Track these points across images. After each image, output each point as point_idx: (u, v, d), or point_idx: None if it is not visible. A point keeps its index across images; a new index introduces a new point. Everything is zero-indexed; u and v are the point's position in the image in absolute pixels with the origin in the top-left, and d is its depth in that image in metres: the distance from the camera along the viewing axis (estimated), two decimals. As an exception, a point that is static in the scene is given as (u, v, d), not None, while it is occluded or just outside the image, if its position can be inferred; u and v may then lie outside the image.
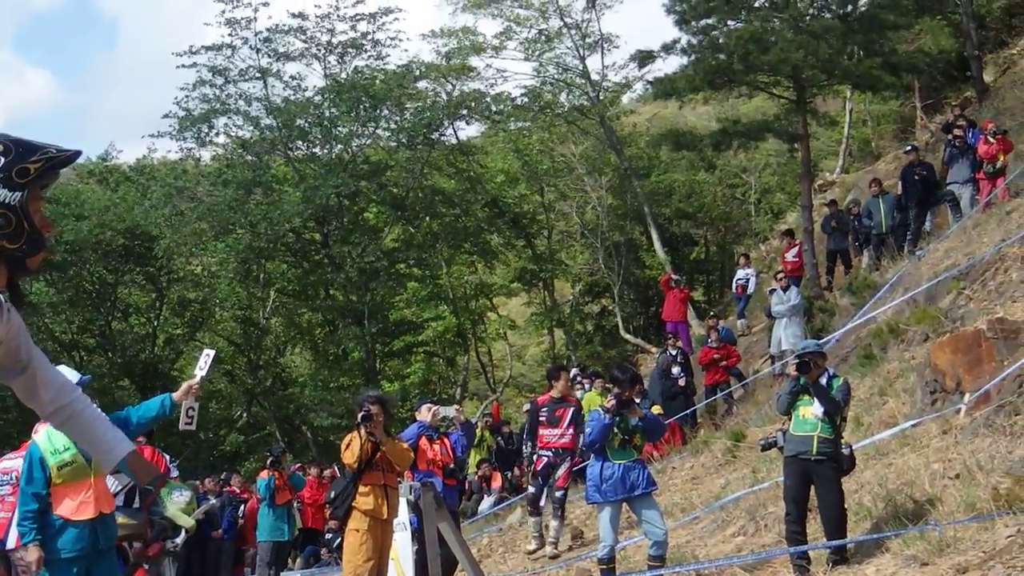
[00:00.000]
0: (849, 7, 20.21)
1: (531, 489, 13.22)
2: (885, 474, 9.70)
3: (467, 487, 18.63)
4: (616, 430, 9.31)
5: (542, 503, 13.16)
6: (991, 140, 17.00)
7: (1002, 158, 16.87)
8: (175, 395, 7.04)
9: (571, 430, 12.76)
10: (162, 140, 33.73)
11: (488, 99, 33.04)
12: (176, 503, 5.46)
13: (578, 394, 19.88)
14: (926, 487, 8.72)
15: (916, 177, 18.42)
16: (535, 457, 13.05)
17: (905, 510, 8.48)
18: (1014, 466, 8.02)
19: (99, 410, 3.92)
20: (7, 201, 3.26)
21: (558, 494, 12.74)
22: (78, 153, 3.44)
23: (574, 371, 22.86)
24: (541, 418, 12.86)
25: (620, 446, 9.35)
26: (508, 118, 34.02)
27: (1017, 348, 9.69)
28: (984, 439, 9.00)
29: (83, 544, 6.87)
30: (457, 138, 35.23)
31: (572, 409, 12.94)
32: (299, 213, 30.00)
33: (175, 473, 14.42)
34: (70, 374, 7.38)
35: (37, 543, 6.82)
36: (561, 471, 12.70)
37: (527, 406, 18.93)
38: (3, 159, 3.26)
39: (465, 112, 32.65)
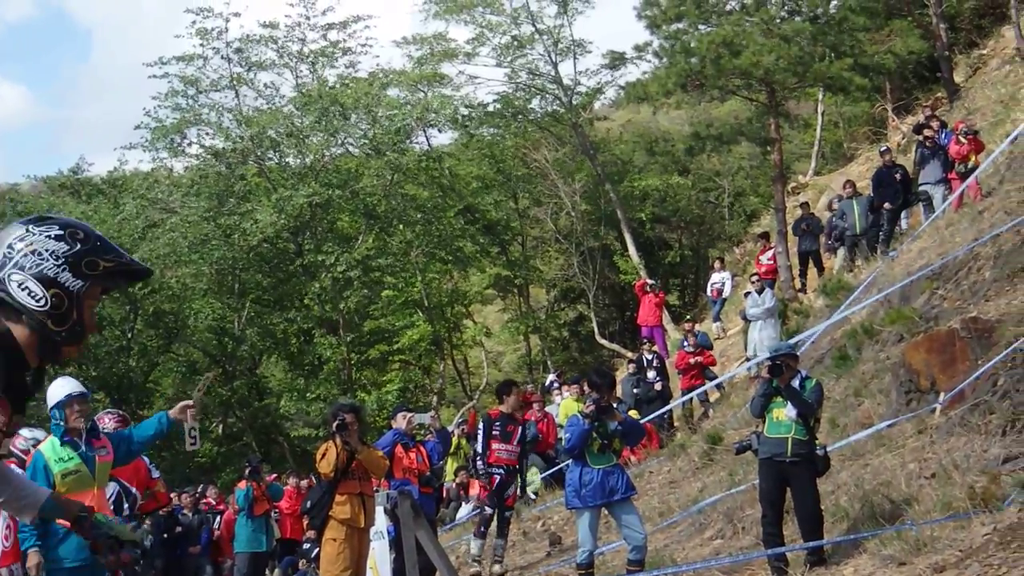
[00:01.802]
0: (819, 9, 20.32)
1: (487, 510, 12.67)
2: (861, 475, 9.72)
3: (445, 494, 18.56)
4: (595, 435, 9.28)
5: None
6: (962, 140, 17.06)
7: (974, 158, 16.90)
8: (171, 412, 7.22)
9: (519, 448, 12.56)
10: (134, 151, 33.47)
11: (455, 103, 32.98)
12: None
13: (556, 399, 19.90)
14: (902, 487, 8.74)
15: (897, 176, 18.47)
16: (490, 475, 12.49)
17: (882, 510, 8.49)
18: (989, 464, 8.05)
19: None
20: (67, 285, 3.31)
21: (507, 514, 12.54)
22: (150, 272, 3.58)
23: (551, 378, 22.83)
24: (495, 432, 12.43)
25: (599, 451, 9.32)
26: (480, 124, 33.98)
27: (991, 347, 9.72)
28: (959, 438, 9.02)
29: (86, 554, 6.85)
30: (429, 144, 35.21)
31: (521, 427, 12.78)
32: (272, 223, 29.85)
33: (156, 474, 14.32)
34: (71, 385, 7.34)
35: (37, 549, 6.91)
36: (511, 491, 12.48)
37: None
38: (79, 245, 3.33)
39: (433, 116, 32.52)
